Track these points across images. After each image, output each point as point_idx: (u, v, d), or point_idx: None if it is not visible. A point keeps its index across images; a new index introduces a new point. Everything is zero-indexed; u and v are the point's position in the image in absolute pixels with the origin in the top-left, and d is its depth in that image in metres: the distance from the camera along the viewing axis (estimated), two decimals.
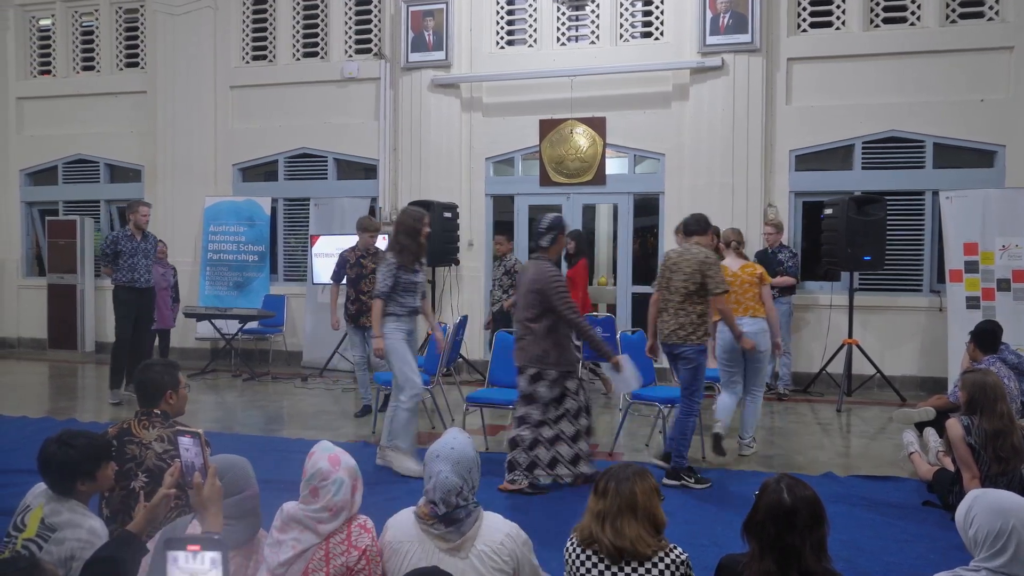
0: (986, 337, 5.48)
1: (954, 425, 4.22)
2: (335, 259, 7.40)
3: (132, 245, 7.61)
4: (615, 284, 9.47)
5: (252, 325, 9.40)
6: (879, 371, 7.88)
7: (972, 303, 7.54)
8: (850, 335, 7.78)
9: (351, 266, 7.04)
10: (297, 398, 8.07)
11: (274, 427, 6.86)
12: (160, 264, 9.13)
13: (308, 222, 9.90)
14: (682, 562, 2.47)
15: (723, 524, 4.28)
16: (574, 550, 2.53)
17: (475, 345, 9.17)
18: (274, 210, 10.11)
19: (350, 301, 7.00)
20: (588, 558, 2.48)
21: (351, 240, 7.51)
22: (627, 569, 2.43)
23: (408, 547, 2.49)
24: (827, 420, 7.07)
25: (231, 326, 9.27)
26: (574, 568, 2.50)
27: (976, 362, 5.41)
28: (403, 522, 2.59)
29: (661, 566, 2.43)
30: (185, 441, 2.45)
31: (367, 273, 6.89)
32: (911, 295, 8.31)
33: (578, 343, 5.75)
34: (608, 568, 2.43)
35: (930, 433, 5.23)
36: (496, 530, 2.53)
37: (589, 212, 9.37)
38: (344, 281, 7.18)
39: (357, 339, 7.06)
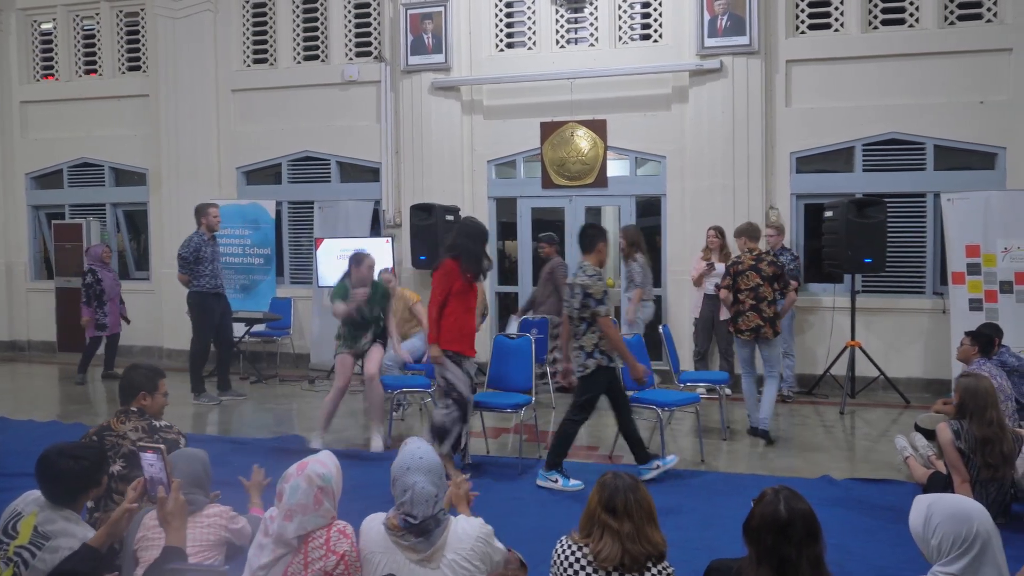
0: (984, 341, 5.49)
1: (944, 430, 4.22)
2: (344, 261, 6.13)
3: (211, 250, 7.70)
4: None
5: (259, 328, 9.44)
6: (882, 373, 7.87)
7: (975, 305, 7.52)
8: (853, 337, 7.77)
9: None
10: (305, 400, 8.12)
11: (282, 429, 6.90)
12: (109, 269, 9.20)
13: (312, 225, 9.95)
14: (668, 575, 2.50)
15: (717, 528, 4.30)
16: (571, 555, 2.50)
17: (477, 348, 9.15)
18: (278, 213, 10.15)
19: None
20: (589, 563, 2.45)
21: (355, 243, 7.29)
22: None
23: (379, 558, 2.50)
24: (831, 422, 7.06)
25: (238, 329, 9.31)
26: (564, 570, 2.49)
27: (967, 363, 5.43)
28: (373, 532, 2.57)
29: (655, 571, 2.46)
30: (148, 457, 2.50)
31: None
32: (914, 297, 8.29)
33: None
34: (609, 574, 2.43)
35: (916, 437, 5.22)
36: (465, 536, 2.52)
37: (592, 214, 9.36)
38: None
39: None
